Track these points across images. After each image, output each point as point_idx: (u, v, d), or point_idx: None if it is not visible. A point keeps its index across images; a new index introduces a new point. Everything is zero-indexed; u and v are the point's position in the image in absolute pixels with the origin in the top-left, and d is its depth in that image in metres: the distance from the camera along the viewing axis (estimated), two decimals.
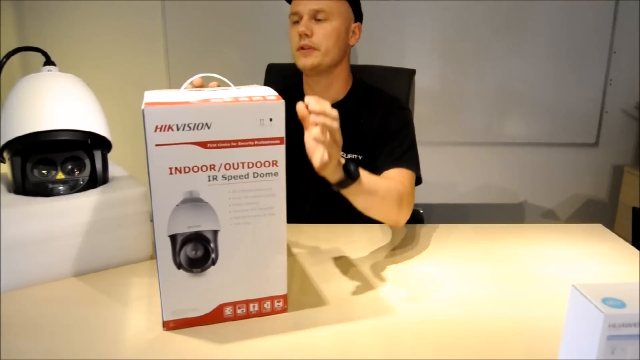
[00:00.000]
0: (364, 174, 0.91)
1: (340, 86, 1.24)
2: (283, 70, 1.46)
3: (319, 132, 0.76)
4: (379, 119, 1.20)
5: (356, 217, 1.17)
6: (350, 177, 0.87)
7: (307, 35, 1.14)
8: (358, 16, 1.23)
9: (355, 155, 1.20)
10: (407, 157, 1.14)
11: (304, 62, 1.17)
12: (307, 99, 0.77)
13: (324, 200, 1.23)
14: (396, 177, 1.08)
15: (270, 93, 0.74)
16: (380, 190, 0.96)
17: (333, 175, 0.85)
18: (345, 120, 1.20)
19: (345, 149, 1.19)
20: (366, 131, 1.20)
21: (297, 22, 1.17)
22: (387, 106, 1.22)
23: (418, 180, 1.15)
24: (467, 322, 0.77)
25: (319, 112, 0.76)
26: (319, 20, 1.15)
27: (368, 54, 2.00)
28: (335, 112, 0.79)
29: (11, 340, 0.71)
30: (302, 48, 1.16)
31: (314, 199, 1.23)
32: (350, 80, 1.26)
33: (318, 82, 1.23)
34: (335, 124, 0.79)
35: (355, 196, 0.91)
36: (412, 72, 1.45)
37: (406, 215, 1.04)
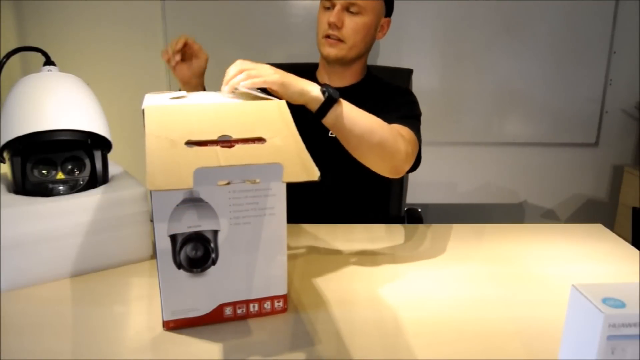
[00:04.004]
0: (348, 103, 0.90)
1: (353, 76, 1.25)
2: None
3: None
4: (385, 100, 1.20)
5: (356, 217, 1.18)
6: (330, 98, 0.86)
7: (337, 26, 1.13)
8: (389, 11, 1.23)
9: None
10: (409, 122, 1.09)
11: (329, 51, 1.17)
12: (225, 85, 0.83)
13: (324, 200, 1.23)
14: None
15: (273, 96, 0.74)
16: (371, 120, 0.92)
17: (307, 99, 0.85)
18: (354, 103, 1.22)
19: None
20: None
21: (328, 9, 1.16)
22: (394, 90, 1.24)
23: (418, 159, 1.10)
24: (467, 322, 0.77)
25: (232, 77, 0.82)
26: (351, 12, 1.14)
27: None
28: (232, 72, 0.83)
29: (11, 340, 0.71)
30: (328, 37, 1.15)
31: (314, 199, 1.23)
32: (364, 71, 1.27)
33: (335, 70, 1.23)
34: (237, 68, 0.83)
35: (342, 124, 0.88)
36: (409, 72, 1.47)
37: (407, 159, 0.97)
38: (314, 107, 0.86)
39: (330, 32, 1.15)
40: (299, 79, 0.85)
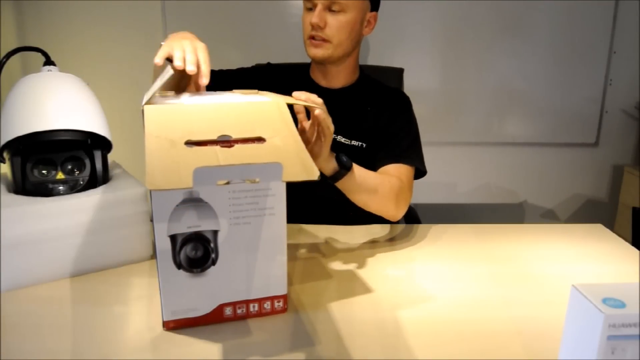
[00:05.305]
0: (357, 167, 0.96)
1: (348, 75, 1.24)
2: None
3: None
4: (387, 115, 1.21)
5: (356, 217, 1.18)
6: (344, 167, 0.92)
7: (319, 26, 1.12)
8: (374, 5, 1.20)
9: (360, 143, 1.20)
10: (407, 154, 1.15)
11: (315, 52, 1.16)
12: (295, 93, 0.83)
13: (324, 200, 1.23)
14: (394, 172, 1.10)
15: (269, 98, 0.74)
16: (374, 183, 1.01)
17: (326, 164, 0.90)
18: (352, 106, 1.22)
19: (350, 135, 1.20)
20: (372, 121, 1.21)
21: (310, 10, 1.14)
22: (395, 103, 1.24)
23: (422, 173, 1.19)
24: (467, 322, 0.77)
25: (304, 99, 0.82)
26: (333, 11, 1.12)
27: (365, 53, 2.00)
28: (319, 100, 0.84)
29: (11, 340, 0.71)
30: (313, 38, 1.14)
31: (314, 199, 1.23)
32: (357, 69, 1.27)
33: (327, 70, 1.22)
34: (321, 112, 0.84)
35: (349, 188, 0.96)
36: (400, 71, 1.49)
37: (402, 209, 1.07)
38: (325, 169, 0.92)
39: (314, 33, 1.13)
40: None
